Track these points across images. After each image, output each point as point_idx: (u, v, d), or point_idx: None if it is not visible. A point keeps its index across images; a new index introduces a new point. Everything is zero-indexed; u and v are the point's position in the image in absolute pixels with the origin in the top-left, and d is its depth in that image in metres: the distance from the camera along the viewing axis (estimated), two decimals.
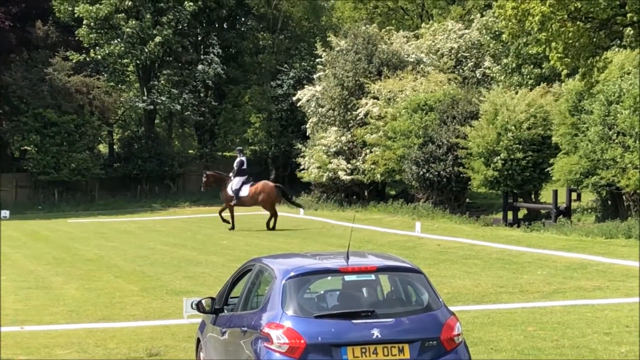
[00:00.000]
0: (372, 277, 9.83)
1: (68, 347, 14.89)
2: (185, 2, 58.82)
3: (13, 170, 59.57)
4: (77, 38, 60.30)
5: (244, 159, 39.47)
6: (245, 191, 38.43)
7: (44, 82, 57.67)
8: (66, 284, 22.73)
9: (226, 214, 39.06)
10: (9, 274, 24.69)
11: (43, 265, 26.98)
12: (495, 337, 14.76)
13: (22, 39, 59.21)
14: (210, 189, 43.77)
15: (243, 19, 67.56)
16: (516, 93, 37.84)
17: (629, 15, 25.50)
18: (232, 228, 38.32)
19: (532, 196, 38.29)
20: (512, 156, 35.24)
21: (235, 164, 39.41)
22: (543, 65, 43.43)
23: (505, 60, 46.06)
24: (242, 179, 38.69)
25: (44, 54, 59.68)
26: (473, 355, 10.15)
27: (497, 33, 47.47)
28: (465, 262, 25.72)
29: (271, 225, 38.04)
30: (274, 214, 38.28)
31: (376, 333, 9.08)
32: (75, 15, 59.63)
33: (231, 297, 11.10)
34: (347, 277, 9.77)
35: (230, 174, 39.34)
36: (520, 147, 35.25)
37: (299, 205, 44.39)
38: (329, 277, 9.95)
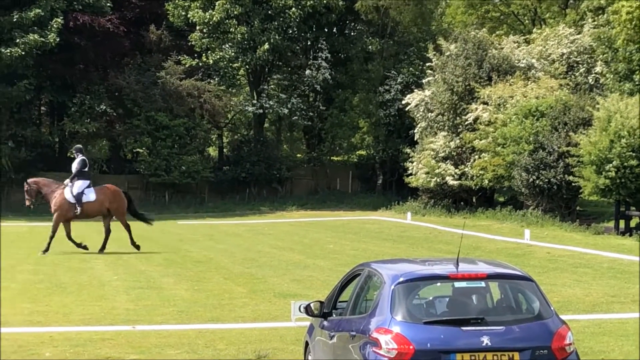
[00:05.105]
0: (482, 284, 9.75)
1: (178, 347, 15.10)
2: (292, 9, 59.15)
3: (125, 172, 60.69)
4: (189, 43, 61.29)
5: (85, 158, 32.23)
6: (90, 196, 31.30)
7: (156, 85, 58.68)
8: (176, 285, 23.04)
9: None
10: (121, 274, 25.16)
11: (154, 266, 27.36)
12: (606, 347, 14.51)
13: (135, 43, 60.39)
14: (37, 203, 33.34)
15: (352, 24, 67.70)
16: (629, 99, 37.06)
17: None
18: (84, 247, 31.10)
19: None
20: (626, 163, 34.49)
21: (75, 165, 31.60)
22: None
23: (615, 66, 45.15)
24: (86, 182, 31.49)
25: (156, 58, 60.76)
26: None
27: (608, 39, 46.59)
28: (576, 270, 25.35)
29: (134, 241, 31.61)
30: (127, 226, 31.94)
31: (486, 340, 8.99)
32: (189, 20, 60.62)
33: (340, 301, 11.10)
34: (457, 284, 9.71)
35: (68, 180, 31.47)
36: (634, 154, 34.49)
37: (146, 220, 33.52)
38: (439, 284, 9.90)
